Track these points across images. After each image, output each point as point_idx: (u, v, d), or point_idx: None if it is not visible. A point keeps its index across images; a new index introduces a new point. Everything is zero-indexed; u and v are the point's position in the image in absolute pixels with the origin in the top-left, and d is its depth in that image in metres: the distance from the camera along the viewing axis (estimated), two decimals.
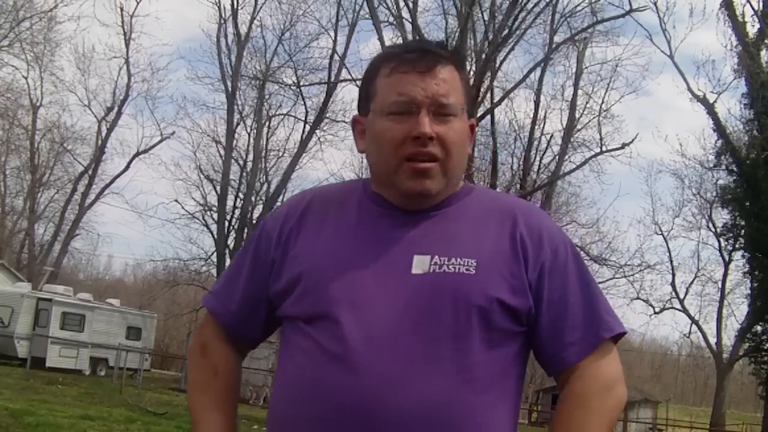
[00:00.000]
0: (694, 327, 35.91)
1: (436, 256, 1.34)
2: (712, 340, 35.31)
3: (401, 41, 21.20)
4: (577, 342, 1.38)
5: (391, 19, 21.01)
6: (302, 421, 1.31)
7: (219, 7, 28.77)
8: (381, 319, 1.30)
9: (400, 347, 1.28)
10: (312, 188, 1.59)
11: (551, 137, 29.68)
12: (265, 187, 29.51)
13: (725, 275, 35.39)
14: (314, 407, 1.30)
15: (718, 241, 34.55)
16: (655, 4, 23.73)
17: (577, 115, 28.17)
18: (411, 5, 20.33)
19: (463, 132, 1.41)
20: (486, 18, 22.34)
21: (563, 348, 1.38)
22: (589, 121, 28.04)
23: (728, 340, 34.77)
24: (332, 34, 24.16)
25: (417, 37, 19.90)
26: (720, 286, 35.76)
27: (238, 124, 29.47)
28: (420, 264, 1.34)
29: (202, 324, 1.55)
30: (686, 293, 35.89)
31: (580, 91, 28.18)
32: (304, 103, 27.69)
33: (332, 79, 25.57)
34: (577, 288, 1.40)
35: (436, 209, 1.41)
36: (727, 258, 34.95)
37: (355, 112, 1.49)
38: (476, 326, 1.31)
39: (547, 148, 29.80)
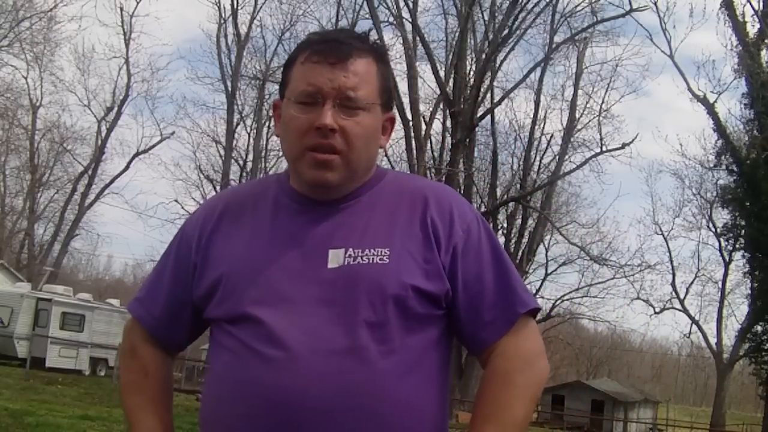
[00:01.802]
0: (694, 327, 36.00)
1: (350, 249, 1.36)
2: (713, 340, 35.37)
3: (401, 41, 21.31)
4: (496, 320, 1.39)
5: (391, 19, 21.01)
6: (230, 419, 1.33)
7: (219, 7, 28.87)
8: (301, 316, 1.32)
9: (321, 341, 1.30)
10: (228, 188, 1.59)
11: (551, 137, 29.74)
12: None
13: (725, 275, 35.47)
14: (240, 404, 1.31)
15: (718, 241, 34.62)
16: (655, 4, 23.76)
17: (577, 115, 28.22)
18: (411, 5, 20.34)
19: (371, 126, 1.39)
20: (486, 18, 22.34)
21: (482, 327, 1.39)
22: (589, 121, 28.10)
23: (728, 340, 34.84)
24: None
25: (417, 38, 19.91)
26: (720, 286, 35.85)
27: (238, 124, 29.56)
28: (335, 258, 1.35)
29: (129, 327, 1.55)
30: (686, 293, 35.98)
31: (580, 91, 28.26)
32: None
33: None
34: (491, 266, 1.41)
35: (348, 200, 1.41)
36: (727, 258, 35.00)
37: None
38: (393, 314, 1.32)
39: (547, 148, 29.86)
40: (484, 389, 1.38)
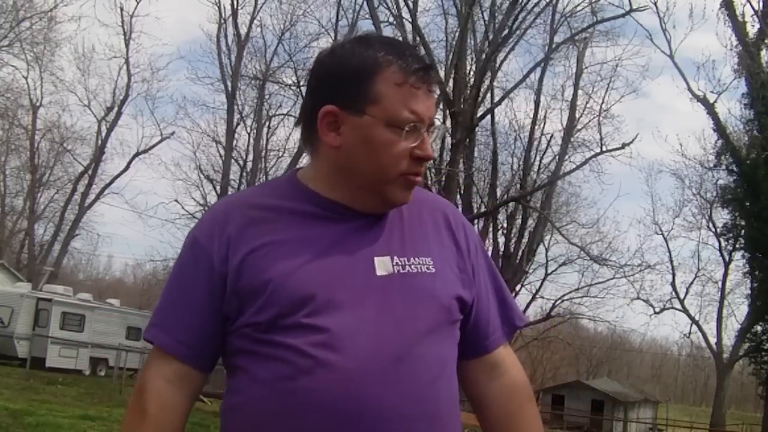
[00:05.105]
0: (694, 327, 36.00)
1: (395, 257, 1.37)
2: (712, 340, 35.38)
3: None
4: (496, 331, 1.49)
5: (391, 19, 21.01)
6: (298, 431, 1.28)
7: (219, 8, 28.83)
8: (362, 323, 1.31)
9: (388, 348, 1.30)
10: (232, 195, 1.57)
11: (551, 137, 29.64)
12: None
13: (725, 275, 35.48)
14: (307, 416, 1.27)
15: (718, 241, 34.63)
16: (655, 4, 23.80)
17: (577, 115, 28.11)
18: (411, 5, 20.32)
19: None
20: (486, 18, 22.35)
21: (486, 336, 1.47)
22: (589, 121, 27.99)
23: (728, 340, 34.86)
24: (332, 34, 24.14)
25: (417, 38, 19.92)
26: (720, 286, 35.85)
27: (238, 124, 29.52)
28: (382, 266, 1.36)
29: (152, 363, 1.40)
30: (686, 293, 35.98)
31: (580, 92, 28.11)
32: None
33: None
34: (491, 280, 1.51)
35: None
36: (727, 258, 35.01)
37: None
38: (443, 321, 1.38)
39: (547, 148, 29.76)
40: (514, 403, 1.46)
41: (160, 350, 1.39)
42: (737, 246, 31.52)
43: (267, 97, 28.94)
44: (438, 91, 1.42)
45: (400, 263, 1.37)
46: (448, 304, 1.38)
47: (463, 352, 1.46)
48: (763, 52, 24.11)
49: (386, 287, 1.34)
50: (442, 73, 22.04)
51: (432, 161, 22.89)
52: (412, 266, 1.37)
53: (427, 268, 1.38)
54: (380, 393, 1.27)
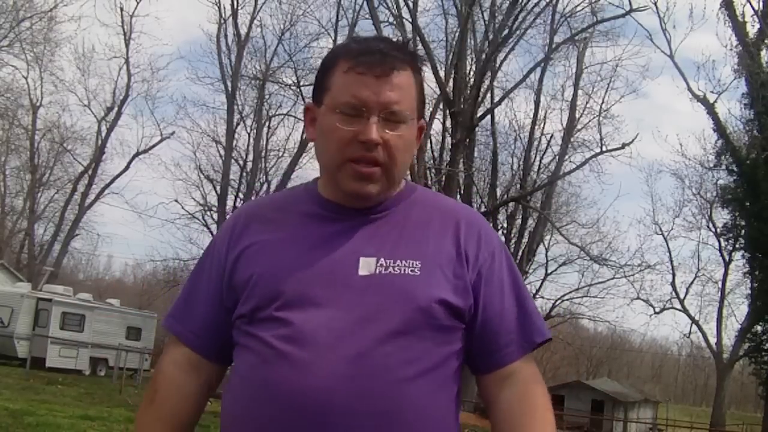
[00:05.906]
0: (694, 327, 35.94)
1: (382, 259, 1.38)
2: (712, 340, 35.33)
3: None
4: (511, 345, 1.44)
5: (391, 19, 21.01)
6: (254, 421, 1.33)
7: (219, 8, 28.81)
8: (330, 320, 1.33)
9: (348, 346, 1.31)
10: (253, 199, 1.60)
11: (551, 137, 29.73)
12: (265, 187, 29.48)
13: (725, 275, 35.42)
14: (266, 407, 1.32)
15: (718, 241, 34.60)
16: (655, 4, 23.81)
17: (577, 116, 28.16)
18: (411, 5, 20.33)
19: (410, 138, 1.43)
20: (486, 18, 22.37)
21: (498, 350, 1.44)
22: (589, 121, 28.07)
23: (728, 340, 34.80)
24: (332, 34, 24.15)
25: (417, 38, 19.93)
26: (720, 286, 35.79)
27: (238, 124, 29.48)
28: (366, 266, 1.37)
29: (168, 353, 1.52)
30: (686, 293, 35.92)
31: (580, 92, 28.20)
32: (304, 103, 27.50)
33: None
34: (511, 292, 1.46)
35: (380, 211, 1.44)
36: (727, 258, 34.97)
37: None
38: (421, 324, 1.35)
39: (547, 148, 29.86)
40: (535, 411, 1.43)
41: (175, 338, 1.50)
42: (737, 246, 31.52)
43: (267, 97, 28.92)
44: (407, 76, 1.40)
45: (384, 264, 1.37)
46: (427, 306, 1.35)
47: (476, 366, 1.46)
48: (763, 52, 24.13)
49: (364, 287, 1.35)
50: (442, 73, 22.03)
51: (433, 161, 22.94)
52: (396, 268, 1.37)
53: (411, 270, 1.37)
54: (332, 388, 1.28)
